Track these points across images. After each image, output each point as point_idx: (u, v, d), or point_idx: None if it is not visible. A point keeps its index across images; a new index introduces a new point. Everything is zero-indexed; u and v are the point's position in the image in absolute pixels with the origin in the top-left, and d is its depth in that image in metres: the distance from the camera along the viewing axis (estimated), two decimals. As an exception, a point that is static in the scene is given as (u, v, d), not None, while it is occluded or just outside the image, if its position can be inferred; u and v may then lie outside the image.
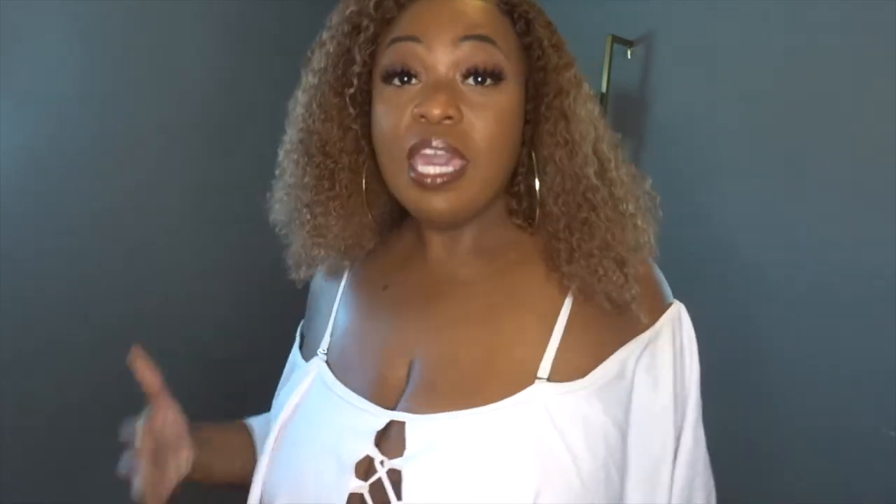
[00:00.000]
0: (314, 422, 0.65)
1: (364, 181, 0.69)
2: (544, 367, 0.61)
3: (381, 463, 0.59)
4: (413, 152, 0.59)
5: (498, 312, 0.65)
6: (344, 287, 0.75)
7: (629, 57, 2.01)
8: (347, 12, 0.65)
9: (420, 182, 0.59)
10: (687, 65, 1.97)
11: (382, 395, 0.64)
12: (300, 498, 0.61)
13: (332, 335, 0.72)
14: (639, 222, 0.65)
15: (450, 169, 0.59)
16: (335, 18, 0.66)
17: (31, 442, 1.56)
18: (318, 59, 0.67)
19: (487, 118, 0.60)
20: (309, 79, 0.68)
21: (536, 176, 0.66)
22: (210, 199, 1.87)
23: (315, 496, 0.61)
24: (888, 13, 1.64)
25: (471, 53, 0.60)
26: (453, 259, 0.69)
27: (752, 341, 1.84)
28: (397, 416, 0.61)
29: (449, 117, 0.58)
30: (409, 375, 0.64)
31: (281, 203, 0.72)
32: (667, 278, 0.73)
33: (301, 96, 0.69)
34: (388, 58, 0.61)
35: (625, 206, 0.65)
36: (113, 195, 1.68)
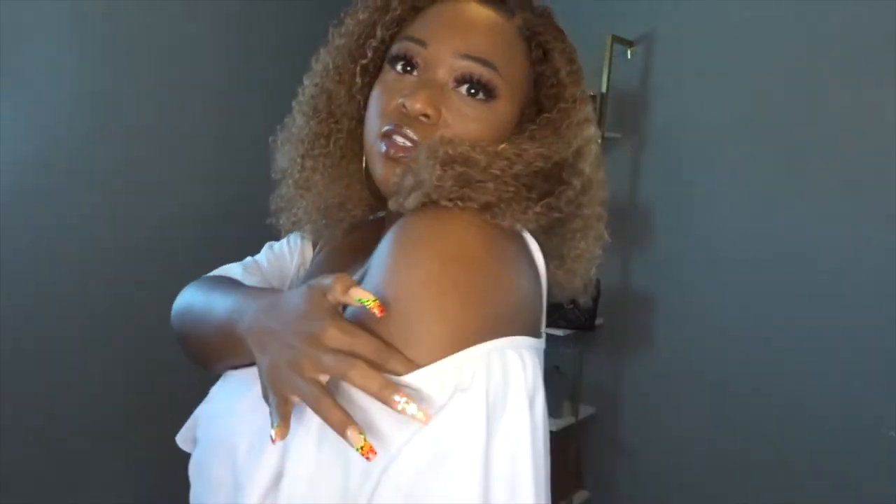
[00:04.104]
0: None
1: (364, 150, 0.70)
2: None
3: None
4: (386, 135, 0.63)
5: None
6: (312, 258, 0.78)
7: (629, 57, 2.01)
8: None
9: (388, 155, 0.63)
10: (687, 65, 1.97)
11: None
12: None
13: None
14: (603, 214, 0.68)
15: (409, 144, 0.62)
16: None
17: (31, 442, 1.56)
18: (346, 24, 0.71)
19: (467, 128, 0.63)
20: (335, 40, 0.72)
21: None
22: (211, 198, 1.87)
23: None
24: (888, 13, 1.64)
25: (467, 67, 0.63)
26: None
27: (751, 341, 1.84)
28: None
29: (426, 115, 0.62)
30: None
31: (282, 151, 0.75)
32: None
33: (323, 54, 0.73)
34: (397, 48, 0.66)
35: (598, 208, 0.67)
36: (113, 195, 1.68)
